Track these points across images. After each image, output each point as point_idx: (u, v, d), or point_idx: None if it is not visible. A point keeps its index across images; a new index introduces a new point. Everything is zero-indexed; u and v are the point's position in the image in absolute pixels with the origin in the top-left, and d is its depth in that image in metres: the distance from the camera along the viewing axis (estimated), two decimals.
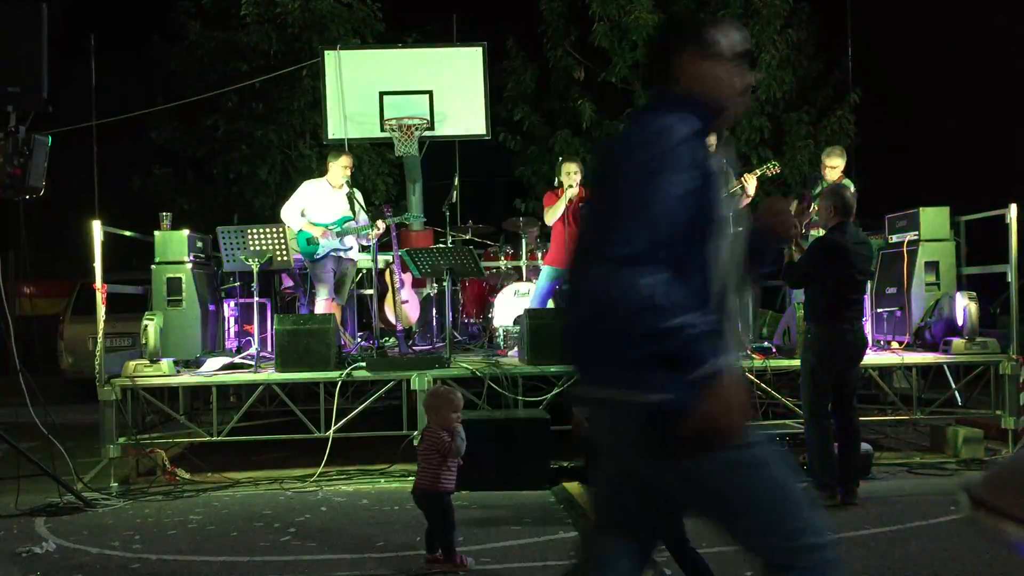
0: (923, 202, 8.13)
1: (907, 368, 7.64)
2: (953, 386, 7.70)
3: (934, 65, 15.49)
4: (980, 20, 14.33)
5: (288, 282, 9.42)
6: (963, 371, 7.67)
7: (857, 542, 4.90)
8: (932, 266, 7.92)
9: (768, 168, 7.73)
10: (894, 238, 8.35)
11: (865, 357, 6.06)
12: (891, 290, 8.24)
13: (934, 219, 7.99)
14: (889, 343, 8.12)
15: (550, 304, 8.18)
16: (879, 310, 8.40)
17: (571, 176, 7.94)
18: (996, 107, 14.40)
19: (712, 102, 2.38)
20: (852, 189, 8.07)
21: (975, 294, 7.56)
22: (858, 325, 5.87)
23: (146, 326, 7.09)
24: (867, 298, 8.55)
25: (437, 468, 4.53)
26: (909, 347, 7.81)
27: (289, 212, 8.02)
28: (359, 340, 8.72)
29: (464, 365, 7.14)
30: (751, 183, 7.68)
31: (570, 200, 7.93)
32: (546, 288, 8.16)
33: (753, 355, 7.15)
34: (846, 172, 8.06)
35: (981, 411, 7.48)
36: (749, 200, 7.88)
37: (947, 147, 15.46)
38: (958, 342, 7.33)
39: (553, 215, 7.97)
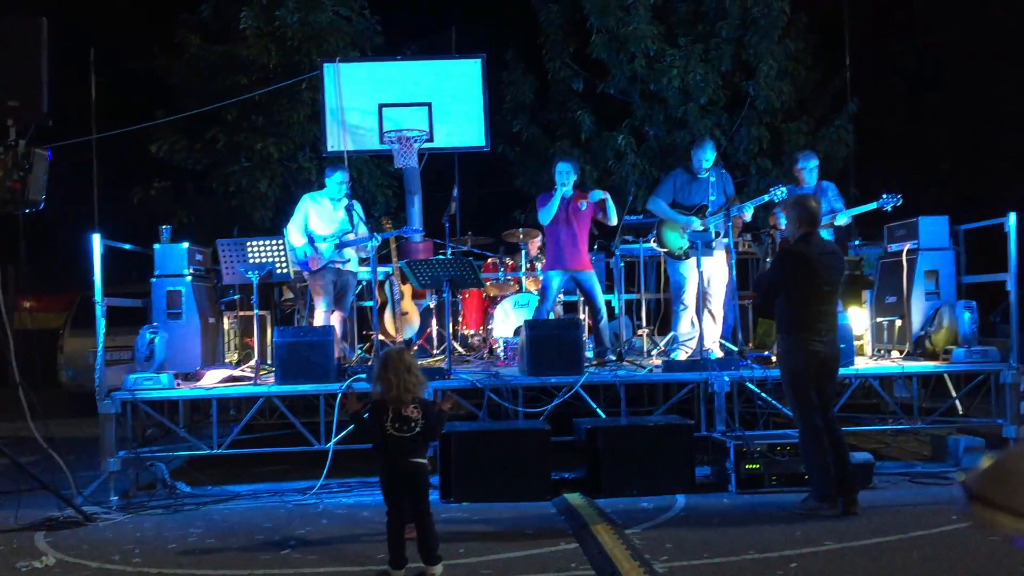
0: (922, 211, 8.15)
1: (908, 377, 7.63)
2: (954, 395, 7.69)
3: (932, 74, 15.52)
4: (977, 28, 14.36)
5: (288, 295, 9.41)
6: (964, 380, 7.66)
7: (859, 552, 4.89)
8: (932, 275, 7.93)
9: (776, 195, 7.64)
10: (893, 247, 8.35)
11: (857, 367, 5.99)
12: (891, 299, 8.25)
13: (933, 228, 8.01)
14: (889, 352, 8.11)
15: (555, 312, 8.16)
16: (879, 319, 8.41)
17: (562, 175, 7.96)
18: (995, 115, 14.42)
19: None
20: (833, 192, 8.11)
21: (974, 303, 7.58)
22: (829, 336, 5.72)
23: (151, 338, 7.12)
24: (869, 306, 8.58)
25: None
26: (909, 356, 7.80)
27: (295, 232, 7.93)
28: (359, 352, 8.71)
29: (464, 376, 7.14)
30: (748, 212, 7.73)
31: (564, 198, 7.93)
32: (551, 295, 8.09)
33: (753, 364, 7.13)
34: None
35: (982, 420, 7.47)
36: (745, 221, 7.93)
37: (946, 156, 15.46)
38: (958, 351, 7.33)
39: (547, 215, 7.95)
